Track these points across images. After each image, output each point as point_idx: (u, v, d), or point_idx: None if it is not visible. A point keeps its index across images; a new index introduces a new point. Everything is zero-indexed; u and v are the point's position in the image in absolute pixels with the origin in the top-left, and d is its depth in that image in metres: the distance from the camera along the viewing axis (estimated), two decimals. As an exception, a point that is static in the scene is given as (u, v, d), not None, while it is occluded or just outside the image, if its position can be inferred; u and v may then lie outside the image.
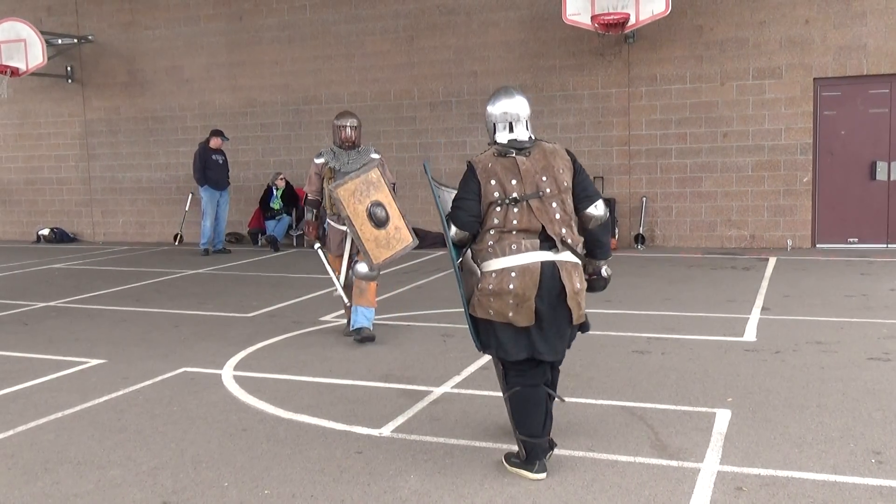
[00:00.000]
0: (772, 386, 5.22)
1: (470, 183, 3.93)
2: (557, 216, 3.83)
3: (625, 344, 6.42)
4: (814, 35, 11.68)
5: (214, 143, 13.24)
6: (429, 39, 13.63)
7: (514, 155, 3.90)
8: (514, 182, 3.84)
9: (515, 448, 3.99)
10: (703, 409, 4.79)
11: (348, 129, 6.82)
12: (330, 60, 14.25)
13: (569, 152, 4.01)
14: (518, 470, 3.90)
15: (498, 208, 3.83)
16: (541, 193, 3.82)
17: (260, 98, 14.81)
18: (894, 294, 8.24)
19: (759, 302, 7.99)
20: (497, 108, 4.03)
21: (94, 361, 6.35)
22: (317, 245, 6.89)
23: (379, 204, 6.03)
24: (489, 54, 13.28)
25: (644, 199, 12.67)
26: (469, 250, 3.97)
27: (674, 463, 4.01)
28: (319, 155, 6.87)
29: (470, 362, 5.97)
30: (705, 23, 12.13)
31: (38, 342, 7.12)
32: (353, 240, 6.28)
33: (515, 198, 3.81)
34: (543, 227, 3.79)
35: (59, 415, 5.03)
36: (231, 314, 8.16)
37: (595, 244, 4.05)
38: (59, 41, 15.60)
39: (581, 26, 11.79)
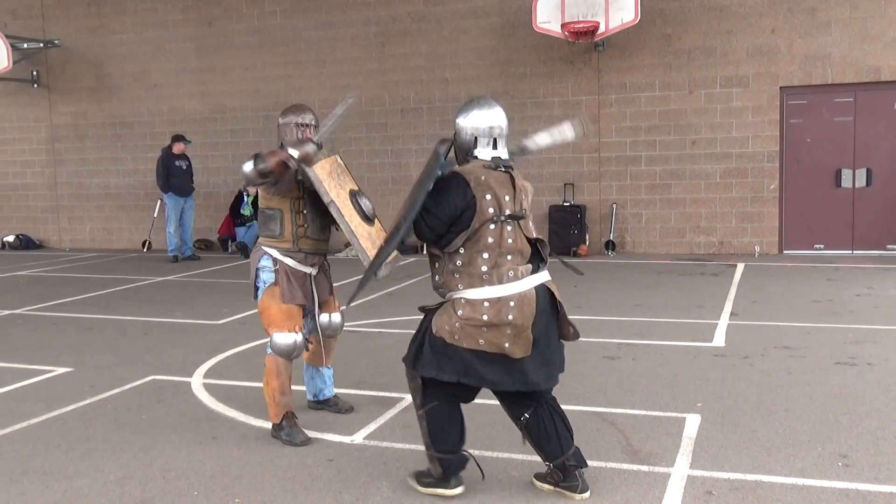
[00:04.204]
0: (740, 391, 5.27)
1: (451, 196, 3.52)
2: (534, 236, 3.65)
3: (596, 350, 6.45)
4: (780, 44, 11.85)
5: (177, 148, 13.11)
6: (400, 46, 13.64)
7: (503, 170, 3.61)
8: (507, 198, 3.55)
9: (433, 467, 3.71)
10: (673, 414, 4.82)
11: (311, 130, 4.76)
12: (301, 66, 14.20)
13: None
14: (434, 490, 3.71)
15: (492, 226, 3.51)
16: (524, 213, 3.61)
17: (230, 104, 14.71)
18: (859, 299, 8.36)
19: (728, 307, 8.07)
20: (480, 121, 3.64)
21: (61, 370, 6.26)
22: (305, 152, 4.43)
23: (361, 193, 4.76)
24: (460, 61, 13.31)
25: (614, 205, 12.76)
26: (442, 276, 3.62)
27: (644, 468, 4.03)
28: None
29: (442, 369, 5.95)
30: (674, 31, 12.26)
31: (3, 350, 7.00)
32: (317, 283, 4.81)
33: (511, 215, 3.54)
34: (533, 248, 3.60)
35: (25, 424, 4.94)
36: (201, 321, 8.09)
37: None
38: (25, 45, 15.40)
39: (551, 34, 11.87)
